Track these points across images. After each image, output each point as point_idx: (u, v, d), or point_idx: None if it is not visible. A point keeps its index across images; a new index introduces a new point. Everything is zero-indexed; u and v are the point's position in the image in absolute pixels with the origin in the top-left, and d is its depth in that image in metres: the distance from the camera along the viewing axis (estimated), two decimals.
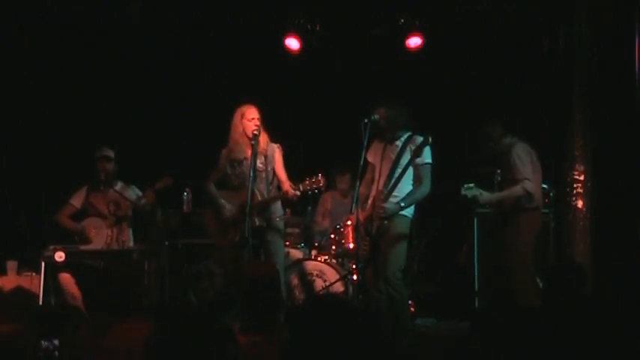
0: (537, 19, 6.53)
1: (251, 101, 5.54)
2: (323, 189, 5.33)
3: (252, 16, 7.00)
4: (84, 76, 7.32)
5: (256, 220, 5.30)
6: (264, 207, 5.42)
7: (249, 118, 5.44)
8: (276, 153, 5.51)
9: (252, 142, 5.39)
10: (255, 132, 5.39)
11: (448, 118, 6.98)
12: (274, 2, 6.99)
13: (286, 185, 5.43)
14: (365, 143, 5.06)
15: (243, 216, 5.30)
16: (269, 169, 5.46)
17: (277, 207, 5.57)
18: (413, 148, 5.07)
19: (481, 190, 5.26)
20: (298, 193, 5.26)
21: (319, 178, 5.19)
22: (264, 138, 5.47)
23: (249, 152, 5.43)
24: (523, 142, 5.45)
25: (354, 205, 5.03)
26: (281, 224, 5.62)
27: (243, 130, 5.46)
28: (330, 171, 7.19)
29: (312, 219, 7.06)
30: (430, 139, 5.00)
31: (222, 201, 5.53)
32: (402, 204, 5.02)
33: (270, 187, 5.49)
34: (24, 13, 6.74)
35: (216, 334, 2.03)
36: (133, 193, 6.26)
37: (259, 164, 5.41)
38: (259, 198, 5.34)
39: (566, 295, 2.85)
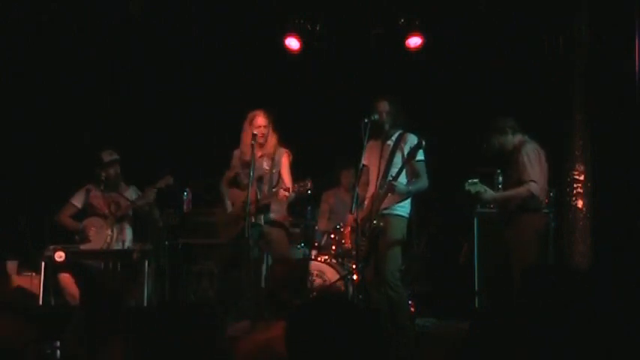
0: (537, 19, 6.54)
1: (260, 107, 5.63)
2: (310, 192, 5.41)
3: (252, 16, 7.01)
4: (84, 75, 7.32)
5: (254, 217, 5.40)
6: (263, 207, 5.51)
7: (256, 125, 5.55)
8: (284, 157, 5.65)
9: (252, 142, 5.48)
10: (254, 140, 5.49)
11: (448, 117, 6.98)
12: (274, 2, 6.99)
13: (286, 188, 5.50)
14: (365, 143, 5.07)
15: (243, 213, 5.40)
16: (274, 171, 5.60)
17: (280, 208, 5.64)
18: (405, 147, 5.08)
19: (485, 187, 5.23)
20: (287, 194, 5.34)
21: (306, 181, 5.30)
22: (272, 141, 5.61)
23: (257, 155, 5.56)
24: (533, 142, 5.34)
25: (353, 205, 5.05)
26: (284, 225, 5.72)
27: (252, 134, 5.56)
28: (331, 169, 7.22)
29: (313, 219, 7.06)
30: (423, 143, 5.01)
31: (227, 201, 5.70)
32: (411, 187, 5.05)
33: (274, 190, 5.55)
34: (25, 12, 6.74)
35: (202, 326, 2.03)
36: (133, 193, 6.26)
37: (265, 166, 5.56)
38: (259, 197, 5.44)
39: (566, 296, 2.85)
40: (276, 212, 5.63)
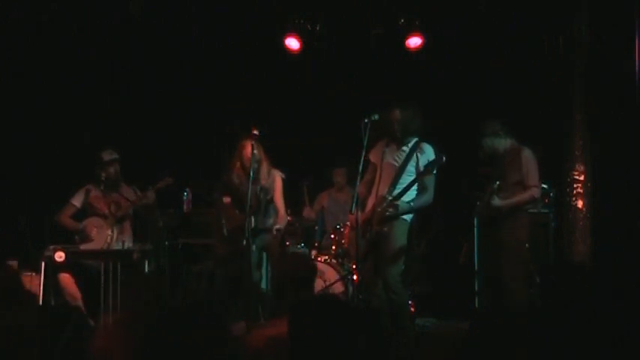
0: (537, 19, 6.54)
1: (249, 136, 5.53)
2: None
3: (252, 16, 7.01)
4: (84, 75, 7.32)
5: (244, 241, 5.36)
6: (257, 233, 5.53)
7: (246, 157, 5.53)
8: (277, 182, 5.66)
9: (254, 152, 5.46)
10: (253, 167, 5.45)
11: (448, 117, 6.98)
12: (274, 2, 6.99)
13: (280, 215, 5.63)
14: (365, 143, 5.05)
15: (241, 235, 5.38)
16: (267, 198, 5.61)
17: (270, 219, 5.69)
18: (421, 157, 5.06)
19: (495, 195, 5.25)
20: (281, 228, 5.58)
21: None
22: (264, 168, 5.59)
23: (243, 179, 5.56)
24: (525, 146, 5.41)
25: (353, 205, 5.02)
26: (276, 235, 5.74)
27: (241, 163, 5.60)
28: (329, 169, 7.22)
29: (301, 212, 7.08)
30: (444, 159, 4.97)
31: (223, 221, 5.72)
32: (413, 205, 5.06)
33: (266, 218, 5.62)
34: (25, 12, 6.74)
35: (202, 326, 2.03)
36: (134, 193, 6.26)
37: (261, 195, 5.55)
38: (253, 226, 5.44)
39: (567, 295, 2.85)
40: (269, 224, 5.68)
